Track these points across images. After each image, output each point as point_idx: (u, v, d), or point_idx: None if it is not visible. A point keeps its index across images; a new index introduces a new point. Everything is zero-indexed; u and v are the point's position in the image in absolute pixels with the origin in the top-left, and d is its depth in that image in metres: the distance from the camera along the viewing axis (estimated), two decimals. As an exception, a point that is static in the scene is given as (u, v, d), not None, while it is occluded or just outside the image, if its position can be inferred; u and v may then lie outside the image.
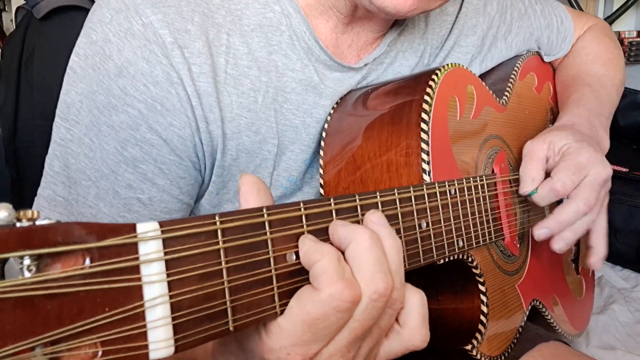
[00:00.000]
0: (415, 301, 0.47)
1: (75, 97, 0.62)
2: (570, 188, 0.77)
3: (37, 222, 0.29)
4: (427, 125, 0.66)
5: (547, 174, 0.80)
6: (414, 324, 0.47)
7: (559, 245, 0.78)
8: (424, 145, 0.65)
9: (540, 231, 0.77)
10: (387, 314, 0.45)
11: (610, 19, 1.88)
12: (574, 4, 1.89)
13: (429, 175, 0.64)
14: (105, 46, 0.60)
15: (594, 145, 0.82)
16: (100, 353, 0.30)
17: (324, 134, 0.73)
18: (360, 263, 0.42)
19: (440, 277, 0.72)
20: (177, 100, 0.61)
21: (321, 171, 0.72)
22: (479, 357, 0.69)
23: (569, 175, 0.77)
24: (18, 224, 0.28)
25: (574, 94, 0.98)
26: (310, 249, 0.41)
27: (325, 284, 0.40)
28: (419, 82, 0.71)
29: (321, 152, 0.72)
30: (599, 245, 0.84)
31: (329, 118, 0.73)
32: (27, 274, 0.29)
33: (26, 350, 0.28)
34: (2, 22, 2.35)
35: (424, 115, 0.66)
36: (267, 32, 0.67)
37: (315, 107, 0.72)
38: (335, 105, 0.74)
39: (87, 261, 0.29)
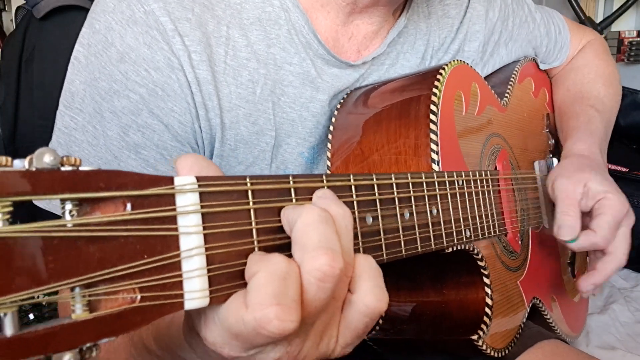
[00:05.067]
0: (364, 264, 0.41)
1: (79, 86, 0.63)
2: (610, 242, 0.82)
3: (80, 168, 0.29)
4: (436, 117, 0.67)
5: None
6: (365, 286, 0.40)
7: (589, 288, 0.84)
8: (433, 137, 0.66)
9: (588, 288, 0.83)
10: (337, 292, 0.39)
11: (610, 19, 1.91)
12: (574, 4, 1.92)
13: (438, 165, 0.65)
14: (107, 34, 0.61)
15: (617, 188, 0.86)
16: (138, 298, 0.30)
17: (331, 128, 0.73)
18: (305, 241, 0.36)
19: (445, 270, 0.72)
20: (177, 86, 0.62)
21: (328, 163, 0.72)
22: (484, 347, 0.70)
23: (610, 231, 0.81)
24: (62, 169, 0.29)
25: (582, 115, 1.01)
26: (251, 261, 0.35)
27: (253, 304, 0.33)
28: (426, 77, 0.72)
29: (328, 145, 0.73)
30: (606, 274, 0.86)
31: (336, 112, 0.74)
32: (68, 218, 0.29)
33: (66, 290, 0.28)
34: (2, 22, 2.35)
35: (432, 108, 0.67)
36: (265, 25, 0.69)
37: (312, 101, 0.73)
38: (342, 100, 0.75)
39: (129, 207, 0.30)
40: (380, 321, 0.78)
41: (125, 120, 0.62)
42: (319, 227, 0.36)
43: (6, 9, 2.36)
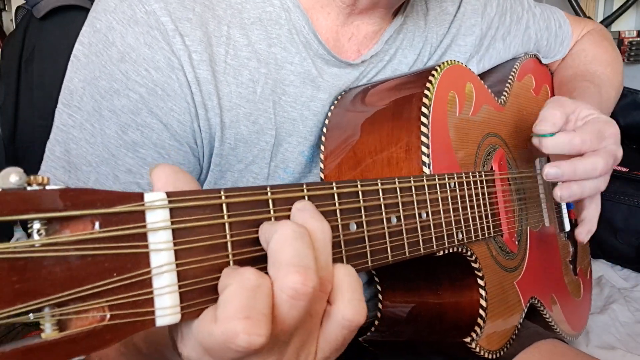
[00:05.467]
0: (343, 274, 0.40)
1: (78, 84, 0.63)
2: (588, 148, 0.75)
3: (47, 187, 0.29)
4: (427, 119, 0.66)
5: None
6: (343, 298, 0.39)
7: (563, 192, 0.76)
8: (424, 139, 0.65)
9: (551, 169, 0.74)
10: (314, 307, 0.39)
11: (610, 19, 1.90)
12: (574, 4, 1.90)
13: (429, 168, 0.65)
14: (108, 33, 0.62)
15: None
16: (108, 317, 0.30)
17: (324, 129, 0.73)
18: (278, 257, 0.35)
19: (440, 271, 0.72)
20: (177, 86, 0.63)
21: (322, 165, 0.72)
22: (478, 350, 0.70)
23: (592, 137, 0.75)
24: (29, 188, 0.29)
25: (577, 89, 0.99)
26: (224, 275, 0.35)
27: (222, 317, 0.33)
28: (419, 78, 0.72)
29: (322, 147, 0.73)
30: (593, 218, 0.83)
31: (329, 113, 0.74)
32: (36, 238, 0.29)
33: (35, 311, 0.28)
34: (2, 22, 2.36)
35: (424, 110, 0.67)
36: (266, 25, 0.69)
37: (313, 100, 0.73)
38: (336, 101, 0.75)
39: (97, 225, 0.30)
40: (376, 322, 0.78)
41: (125, 119, 0.62)
42: (293, 244, 0.35)
43: (6, 8, 2.37)
